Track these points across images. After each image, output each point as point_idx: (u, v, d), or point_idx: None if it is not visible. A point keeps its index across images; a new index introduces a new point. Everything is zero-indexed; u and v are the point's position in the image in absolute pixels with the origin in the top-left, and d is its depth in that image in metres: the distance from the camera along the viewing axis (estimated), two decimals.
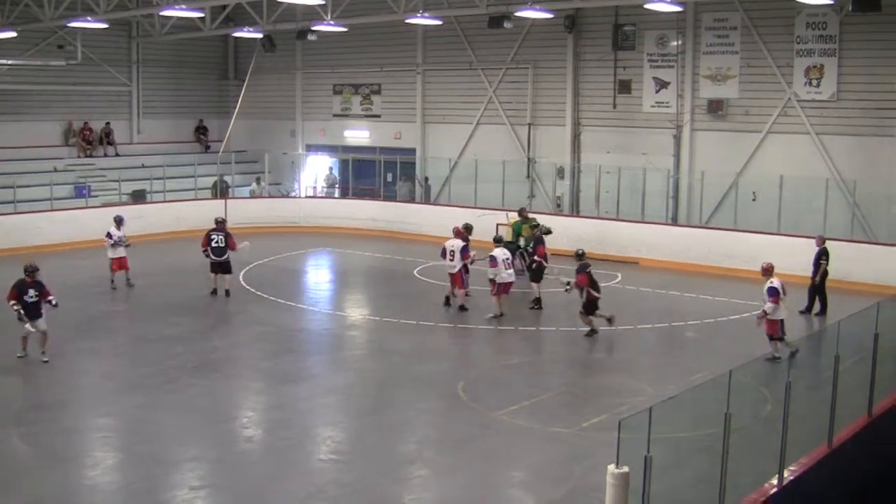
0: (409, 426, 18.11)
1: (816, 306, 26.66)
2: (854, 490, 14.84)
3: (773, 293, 21.58)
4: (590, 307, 24.04)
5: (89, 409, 18.76)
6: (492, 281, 25.97)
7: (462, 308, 26.18)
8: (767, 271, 22.28)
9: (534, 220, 31.88)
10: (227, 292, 28.16)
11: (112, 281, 28.76)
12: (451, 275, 26.32)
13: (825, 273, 26.56)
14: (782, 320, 21.75)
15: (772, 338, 21.64)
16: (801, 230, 31.40)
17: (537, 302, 27.14)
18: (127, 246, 28.68)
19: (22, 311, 20.87)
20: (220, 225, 28.63)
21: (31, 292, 21.07)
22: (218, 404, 19.08)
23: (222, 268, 28.13)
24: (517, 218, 32.16)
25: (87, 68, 43.58)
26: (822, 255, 26.66)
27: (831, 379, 13.71)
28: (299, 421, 18.28)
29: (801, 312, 26.37)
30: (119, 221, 28.81)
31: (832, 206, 32.43)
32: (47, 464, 15.77)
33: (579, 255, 24.61)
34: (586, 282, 23.92)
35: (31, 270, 21.26)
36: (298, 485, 14.97)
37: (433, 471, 15.94)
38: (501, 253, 25.95)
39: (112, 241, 28.57)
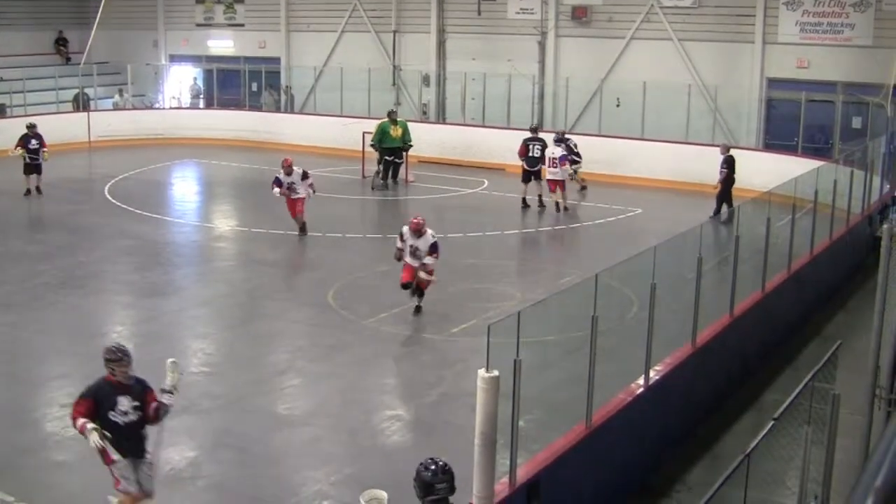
0: (280, 336, 18.13)
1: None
2: (717, 387, 15.28)
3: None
4: None
5: None
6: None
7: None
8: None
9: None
10: (39, 189, 29.42)
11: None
12: None
13: (731, 180, 26.76)
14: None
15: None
16: (663, 135, 31.94)
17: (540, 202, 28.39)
18: None
19: None
20: (35, 129, 29.95)
21: None
22: (86, 320, 18.82)
23: (37, 168, 29.63)
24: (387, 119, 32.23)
25: None
26: (725, 163, 26.74)
27: (694, 280, 14.03)
28: (169, 334, 18.17)
29: (711, 218, 26.23)
30: None
31: (694, 111, 33.00)
32: None
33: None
34: None
35: None
36: None
37: (306, 379, 16.00)
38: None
39: None
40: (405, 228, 18.64)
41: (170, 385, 10.67)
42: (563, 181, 27.73)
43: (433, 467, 8.07)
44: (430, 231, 18.61)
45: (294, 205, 24.94)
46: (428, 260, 18.48)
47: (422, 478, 8.06)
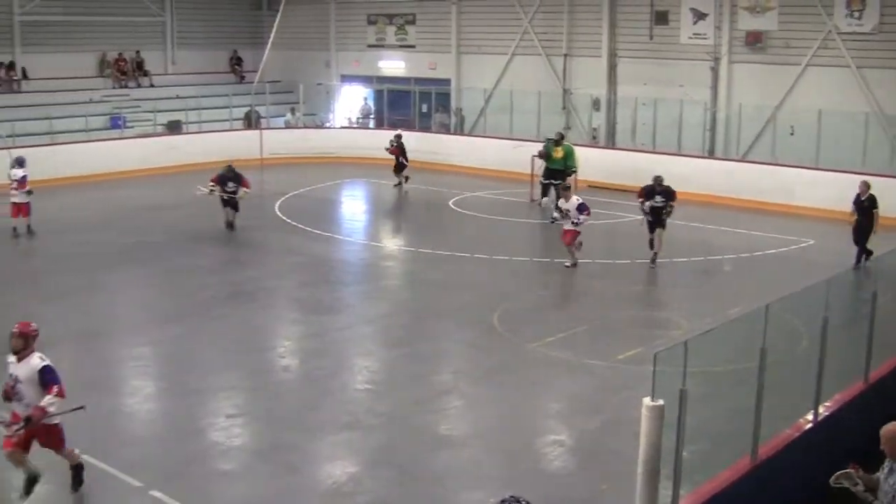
0: (444, 357, 18.21)
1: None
2: None
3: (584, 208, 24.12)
4: None
5: (126, 339, 18.84)
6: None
7: None
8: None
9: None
10: (233, 225, 27.92)
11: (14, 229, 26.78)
12: None
13: (876, 218, 25.15)
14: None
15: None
16: (839, 165, 31.13)
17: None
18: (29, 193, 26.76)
19: None
20: (234, 171, 28.25)
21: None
22: (254, 334, 19.20)
23: (232, 203, 27.87)
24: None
25: None
26: (873, 204, 25.38)
27: (869, 315, 13.63)
28: (335, 350, 18.40)
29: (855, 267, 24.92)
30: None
31: (872, 140, 32.10)
32: (85, 392, 15.80)
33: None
34: None
35: None
36: (334, 413, 15.09)
37: (468, 401, 16.01)
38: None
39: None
40: None
41: None
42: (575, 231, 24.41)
43: None
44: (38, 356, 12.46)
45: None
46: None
47: None
